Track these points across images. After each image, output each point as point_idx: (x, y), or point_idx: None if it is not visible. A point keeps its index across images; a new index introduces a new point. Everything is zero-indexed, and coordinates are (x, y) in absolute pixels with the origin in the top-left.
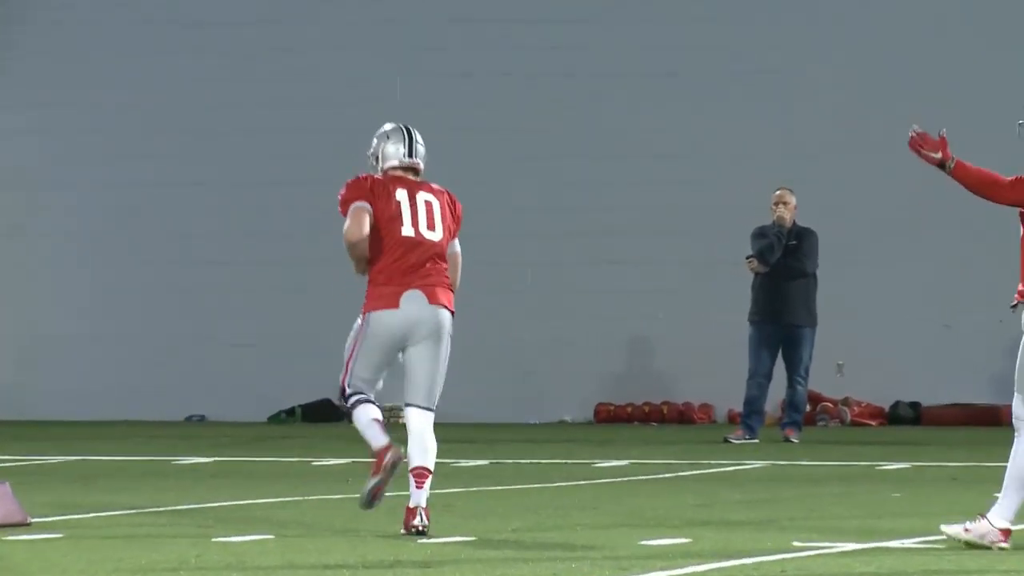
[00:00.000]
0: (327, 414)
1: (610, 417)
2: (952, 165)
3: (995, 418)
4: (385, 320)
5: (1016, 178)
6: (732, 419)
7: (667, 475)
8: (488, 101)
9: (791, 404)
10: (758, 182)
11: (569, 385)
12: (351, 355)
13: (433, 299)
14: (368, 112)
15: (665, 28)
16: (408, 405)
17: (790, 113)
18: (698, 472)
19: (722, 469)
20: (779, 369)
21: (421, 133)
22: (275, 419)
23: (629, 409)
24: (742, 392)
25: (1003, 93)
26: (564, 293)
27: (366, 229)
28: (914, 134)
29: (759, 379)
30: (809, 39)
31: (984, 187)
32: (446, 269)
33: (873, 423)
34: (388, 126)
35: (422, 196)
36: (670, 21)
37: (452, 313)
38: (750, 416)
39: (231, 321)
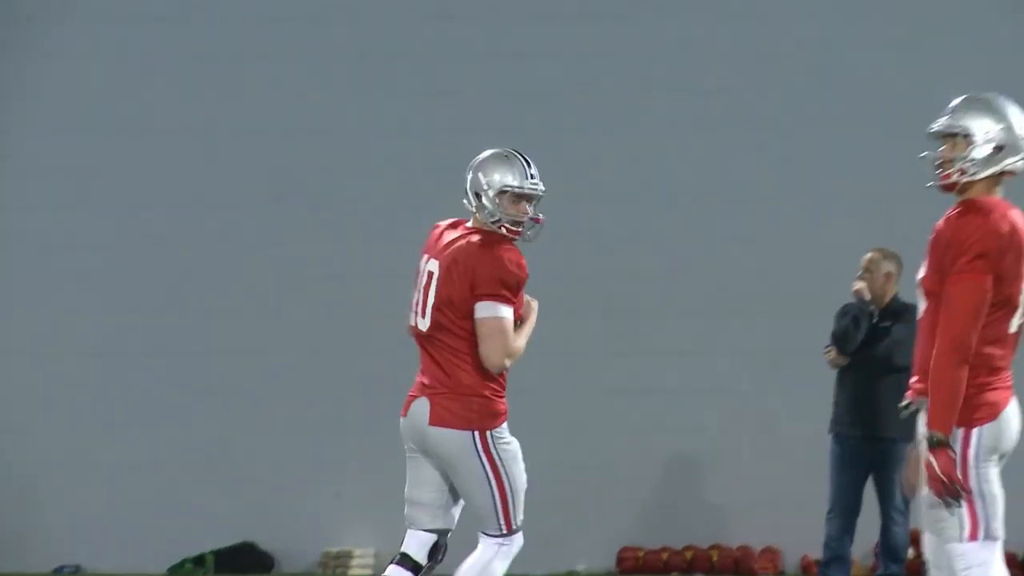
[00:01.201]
0: (251, 563)
1: (639, 566)
2: (940, 436)
3: None
4: (401, 426)
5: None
6: (807, 569)
7: None
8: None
9: (886, 549)
10: (855, 237)
11: (583, 522)
12: None
13: (414, 415)
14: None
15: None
16: None
17: (907, 134)
18: None
19: None
20: (871, 500)
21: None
22: (177, 570)
23: (665, 555)
24: (820, 532)
25: None
26: (577, 394)
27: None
28: (939, 485)
29: (842, 514)
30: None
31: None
32: (442, 364)
33: None
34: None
35: (428, 267)
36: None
37: (465, 429)
38: (830, 565)
39: (115, 430)
